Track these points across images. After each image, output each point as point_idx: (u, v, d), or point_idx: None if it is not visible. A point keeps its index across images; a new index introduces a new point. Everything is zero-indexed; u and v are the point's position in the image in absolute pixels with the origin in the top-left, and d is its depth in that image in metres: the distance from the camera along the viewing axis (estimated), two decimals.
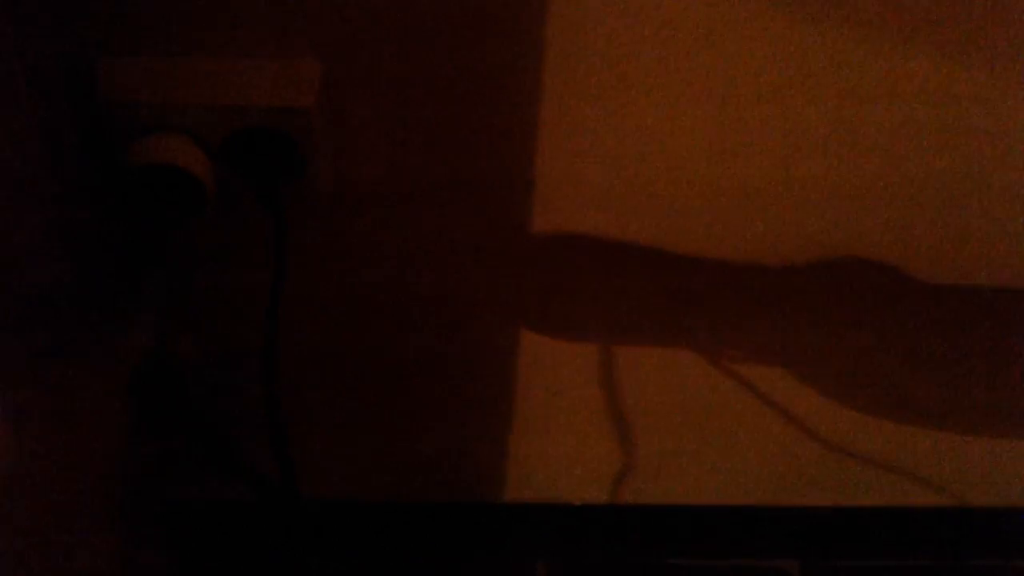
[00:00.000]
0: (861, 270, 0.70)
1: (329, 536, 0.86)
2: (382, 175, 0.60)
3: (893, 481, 0.86)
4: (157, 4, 0.52)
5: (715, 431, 0.81)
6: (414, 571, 0.85)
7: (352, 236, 0.64)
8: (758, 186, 0.64)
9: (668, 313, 0.72)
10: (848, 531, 0.89)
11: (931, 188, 0.65)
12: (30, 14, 0.45)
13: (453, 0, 0.53)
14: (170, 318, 0.62)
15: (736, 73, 0.58)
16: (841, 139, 0.62)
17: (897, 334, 0.75)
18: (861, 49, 0.58)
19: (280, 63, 0.54)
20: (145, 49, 0.54)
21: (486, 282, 0.68)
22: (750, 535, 0.88)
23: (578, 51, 0.56)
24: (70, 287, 0.50)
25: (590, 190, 0.64)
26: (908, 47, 0.58)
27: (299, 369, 0.71)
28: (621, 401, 0.78)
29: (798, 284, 0.70)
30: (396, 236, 0.64)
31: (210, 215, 0.55)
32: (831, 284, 0.70)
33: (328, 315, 0.69)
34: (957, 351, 0.76)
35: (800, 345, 0.75)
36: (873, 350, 0.76)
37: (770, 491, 0.87)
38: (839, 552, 0.88)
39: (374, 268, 0.66)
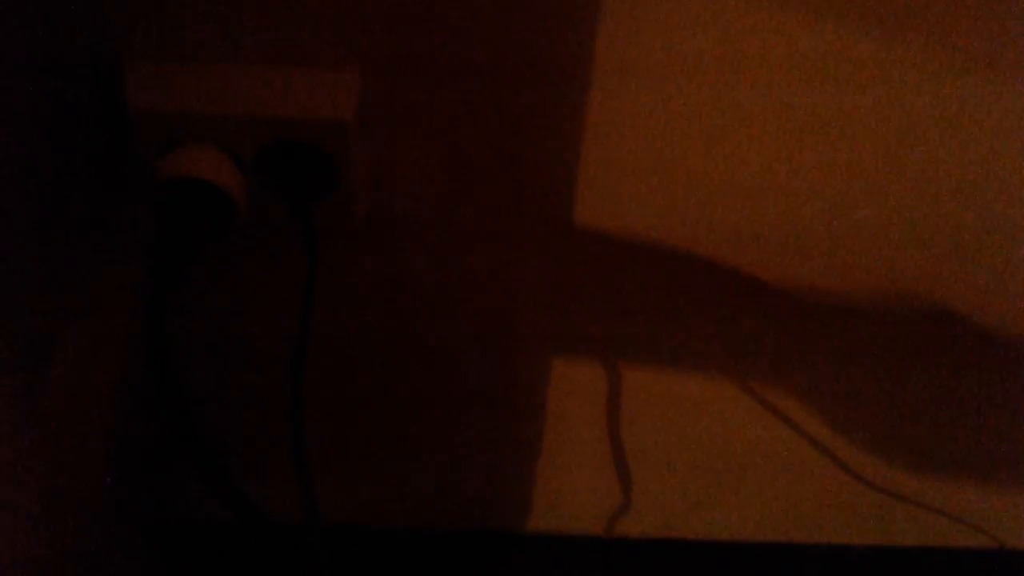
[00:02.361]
0: (906, 309, 0.68)
1: (344, 563, 0.83)
2: (420, 197, 0.58)
3: (931, 521, 0.84)
4: (190, 5, 0.50)
5: (753, 467, 0.78)
6: None
7: (384, 258, 0.61)
8: (809, 221, 0.62)
9: (710, 343, 0.69)
10: (886, 571, 0.86)
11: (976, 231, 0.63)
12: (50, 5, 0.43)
13: (501, 19, 0.50)
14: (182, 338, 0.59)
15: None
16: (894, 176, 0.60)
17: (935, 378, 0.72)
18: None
19: (318, 73, 0.52)
20: (174, 53, 0.51)
21: (516, 310, 0.66)
22: (787, 572, 0.86)
23: (622, 70, 0.54)
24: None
25: (627, 225, 0.61)
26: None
27: (323, 388, 0.69)
28: (653, 434, 0.75)
29: (841, 322, 0.68)
30: (430, 262, 0.62)
31: (240, 232, 0.53)
32: (873, 321, 0.68)
33: (355, 337, 0.66)
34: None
35: (841, 383, 0.72)
36: (911, 392, 0.74)
37: (807, 528, 0.84)
38: None
39: (404, 291, 0.63)
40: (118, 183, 0.52)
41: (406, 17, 0.50)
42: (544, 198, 0.59)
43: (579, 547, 0.85)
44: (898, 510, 0.82)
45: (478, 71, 0.53)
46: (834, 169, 0.59)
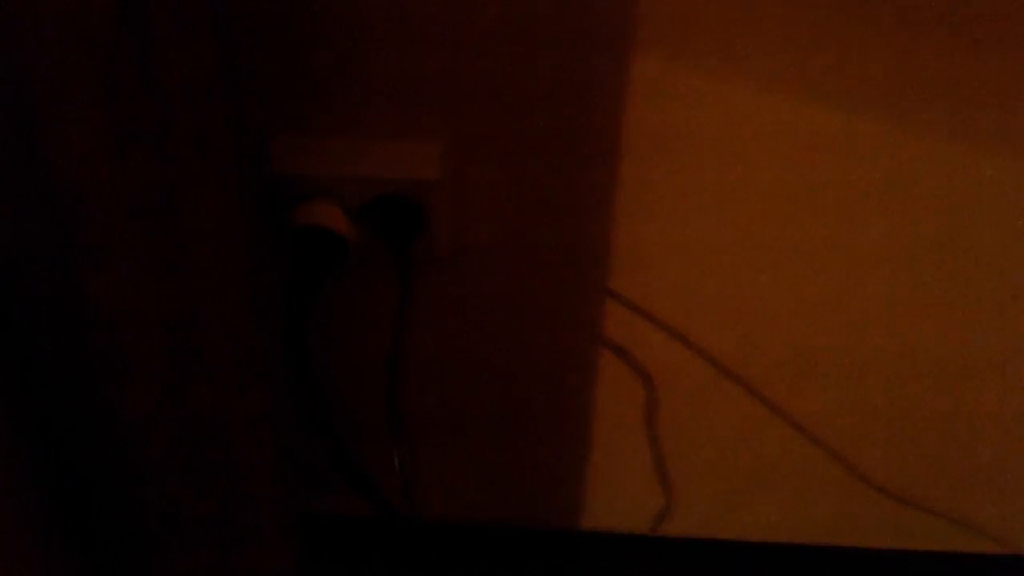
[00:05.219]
0: None
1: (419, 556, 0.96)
2: (492, 235, 0.73)
3: (941, 527, 0.93)
4: (314, 91, 0.67)
5: (779, 475, 0.90)
6: None
7: (464, 285, 0.77)
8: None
9: (736, 366, 0.82)
10: (899, 574, 0.95)
11: None
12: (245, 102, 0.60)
13: (556, 89, 0.66)
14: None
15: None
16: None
17: None
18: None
19: (412, 143, 0.68)
20: (304, 129, 0.68)
21: (562, 328, 0.80)
22: (804, 573, 0.95)
23: (658, 122, 0.69)
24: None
25: (666, 254, 0.76)
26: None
27: (419, 384, 0.84)
28: (689, 445, 0.88)
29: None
30: (493, 285, 0.77)
31: (353, 266, 0.68)
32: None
33: (436, 350, 0.82)
34: None
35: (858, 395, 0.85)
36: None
37: (829, 531, 0.94)
38: None
39: (481, 311, 0.78)
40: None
41: (477, 103, 0.66)
42: (584, 243, 0.74)
43: (627, 545, 0.96)
44: (910, 516, 0.92)
45: (530, 143, 0.68)
46: (838, 241, 0.73)
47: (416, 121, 0.68)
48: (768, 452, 0.88)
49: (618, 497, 0.93)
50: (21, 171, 0.53)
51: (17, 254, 0.54)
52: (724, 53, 0.65)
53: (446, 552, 0.94)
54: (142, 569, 0.63)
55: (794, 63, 0.66)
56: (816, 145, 0.69)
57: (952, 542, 0.94)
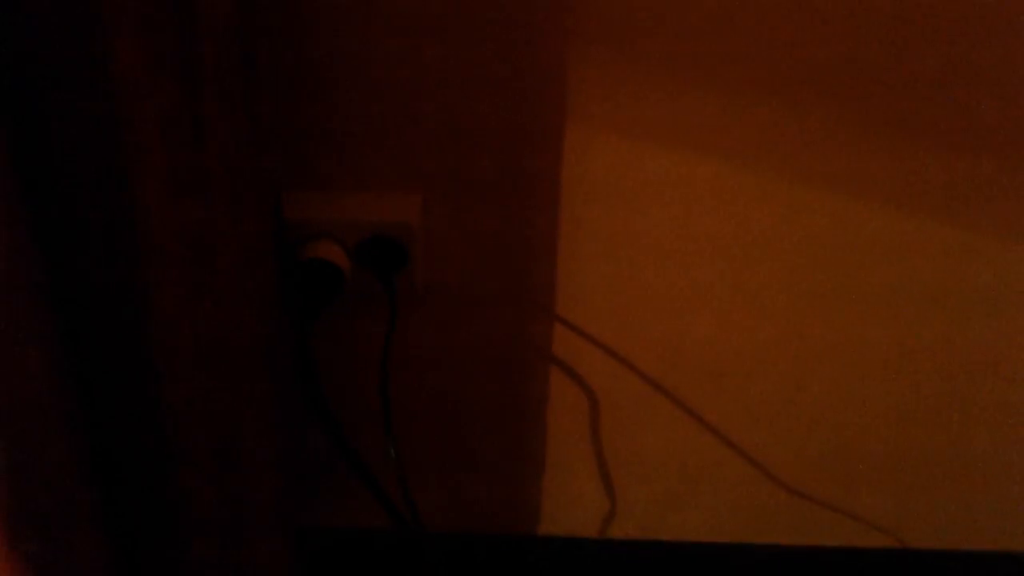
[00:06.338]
0: None
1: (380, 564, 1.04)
2: (460, 270, 0.87)
3: (844, 523, 1.02)
4: (319, 151, 0.81)
5: (705, 480, 0.99)
6: None
7: (438, 311, 0.90)
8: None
9: (661, 374, 0.95)
10: (803, 569, 1.03)
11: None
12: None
13: (511, 166, 0.81)
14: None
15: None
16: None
17: None
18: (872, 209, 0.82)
19: (395, 195, 0.82)
20: (309, 182, 0.82)
21: (515, 353, 0.92)
22: (716, 570, 1.04)
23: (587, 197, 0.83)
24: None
25: (606, 285, 0.88)
26: (917, 207, 0.82)
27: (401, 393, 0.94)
28: (614, 450, 0.98)
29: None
30: (465, 314, 0.90)
31: (349, 296, 0.82)
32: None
33: (424, 373, 0.94)
34: None
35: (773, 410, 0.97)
36: None
37: (748, 531, 1.03)
38: None
39: (451, 334, 0.91)
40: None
41: (447, 166, 0.81)
42: (535, 276, 0.87)
43: (578, 548, 1.03)
44: (816, 513, 1.01)
45: (490, 196, 0.83)
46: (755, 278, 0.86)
47: (399, 179, 0.82)
48: (696, 460, 0.98)
49: (568, 504, 1.01)
50: (112, 211, 0.65)
51: (95, 269, 0.65)
52: (665, 119, 0.79)
53: (415, 559, 1.02)
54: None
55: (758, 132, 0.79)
56: (738, 192, 0.82)
57: (855, 538, 1.03)
